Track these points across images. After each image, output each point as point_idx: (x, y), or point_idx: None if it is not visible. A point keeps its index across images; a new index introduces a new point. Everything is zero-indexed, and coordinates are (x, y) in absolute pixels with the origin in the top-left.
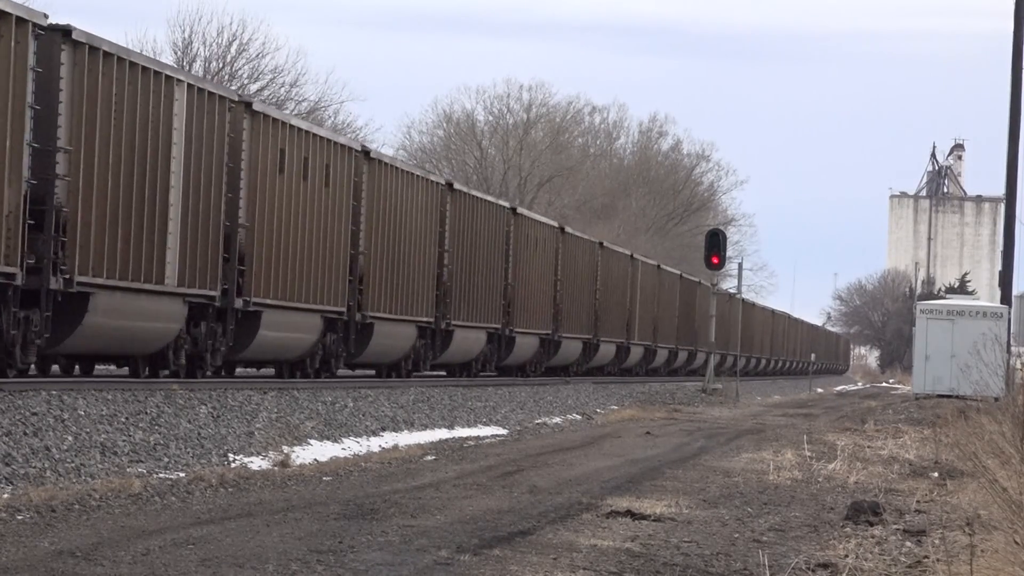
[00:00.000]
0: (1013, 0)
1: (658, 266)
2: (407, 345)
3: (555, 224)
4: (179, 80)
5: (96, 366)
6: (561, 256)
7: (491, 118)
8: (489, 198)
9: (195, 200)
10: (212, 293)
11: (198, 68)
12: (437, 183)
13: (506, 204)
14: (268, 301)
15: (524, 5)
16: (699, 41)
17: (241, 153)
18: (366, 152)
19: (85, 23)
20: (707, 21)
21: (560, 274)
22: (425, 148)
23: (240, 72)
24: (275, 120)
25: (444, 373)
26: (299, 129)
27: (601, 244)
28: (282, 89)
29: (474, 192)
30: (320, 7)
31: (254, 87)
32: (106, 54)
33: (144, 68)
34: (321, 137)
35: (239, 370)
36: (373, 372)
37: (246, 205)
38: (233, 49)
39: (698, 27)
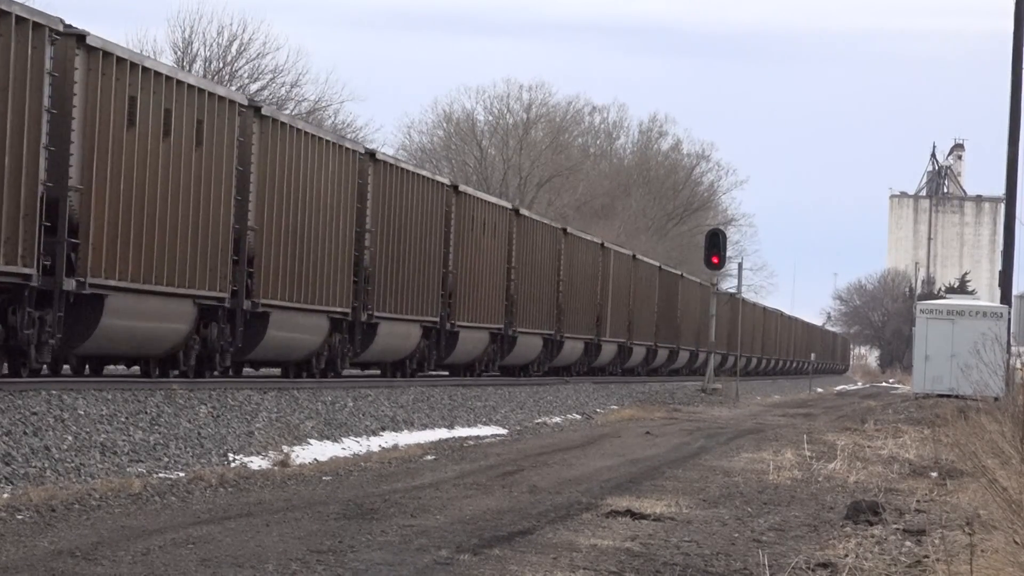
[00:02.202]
0: (1013, 0)
1: (633, 256)
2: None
3: (508, 206)
4: None
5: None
6: (516, 242)
7: (491, 118)
8: (424, 173)
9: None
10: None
11: (198, 68)
12: (354, 151)
13: (445, 181)
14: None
15: (524, 5)
16: (699, 41)
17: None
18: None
19: (85, 23)
20: (707, 21)
21: (515, 262)
22: (425, 148)
23: (240, 72)
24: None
25: (378, 372)
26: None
27: (565, 231)
28: (282, 89)
29: (404, 165)
30: (320, 7)
31: (254, 87)
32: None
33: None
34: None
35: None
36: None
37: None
38: (234, 49)
39: (698, 27)
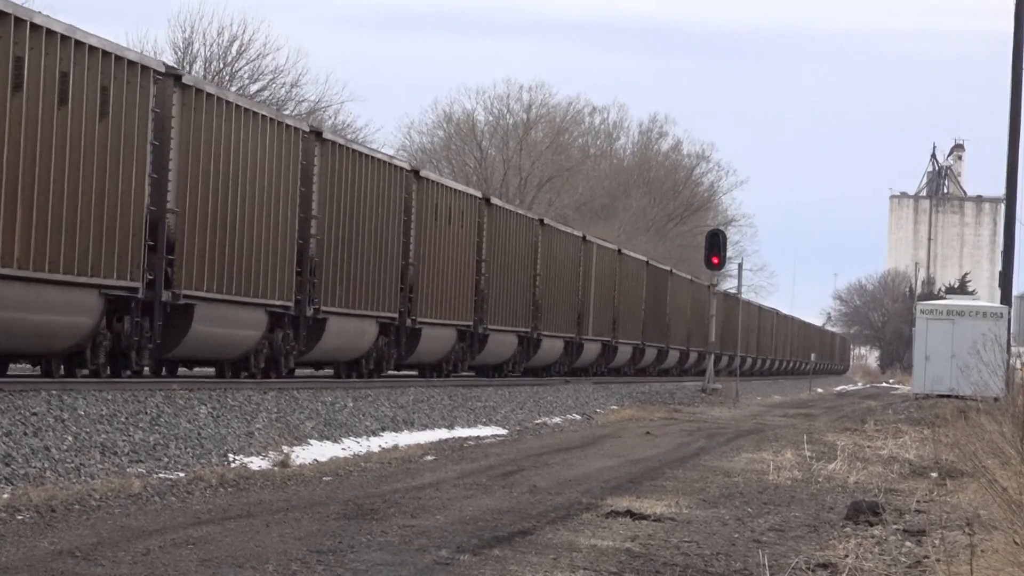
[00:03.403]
0: (1013, 0)
1: (619, 250)
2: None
3: (477, 194)
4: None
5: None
6: (487, 233)
7: (491, 118)
8: (379, 155)
9: None
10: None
11: (198, 68)
12: (297, 128)
13: (405, 165)
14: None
15: (524, 5)
16: (699, 41)
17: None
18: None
19: (85, 23)
20: (707, 21)
21: (485, 254)
22: (425, 148)
23: (240, 72)
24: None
25: (313, 370)
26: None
27: (542, 221)
28: (282, 89)
29: (356, 146)
30: (320, 7)
31: (254, 87)
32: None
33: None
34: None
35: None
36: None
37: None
38: (234, 49)
39: (698, 27)
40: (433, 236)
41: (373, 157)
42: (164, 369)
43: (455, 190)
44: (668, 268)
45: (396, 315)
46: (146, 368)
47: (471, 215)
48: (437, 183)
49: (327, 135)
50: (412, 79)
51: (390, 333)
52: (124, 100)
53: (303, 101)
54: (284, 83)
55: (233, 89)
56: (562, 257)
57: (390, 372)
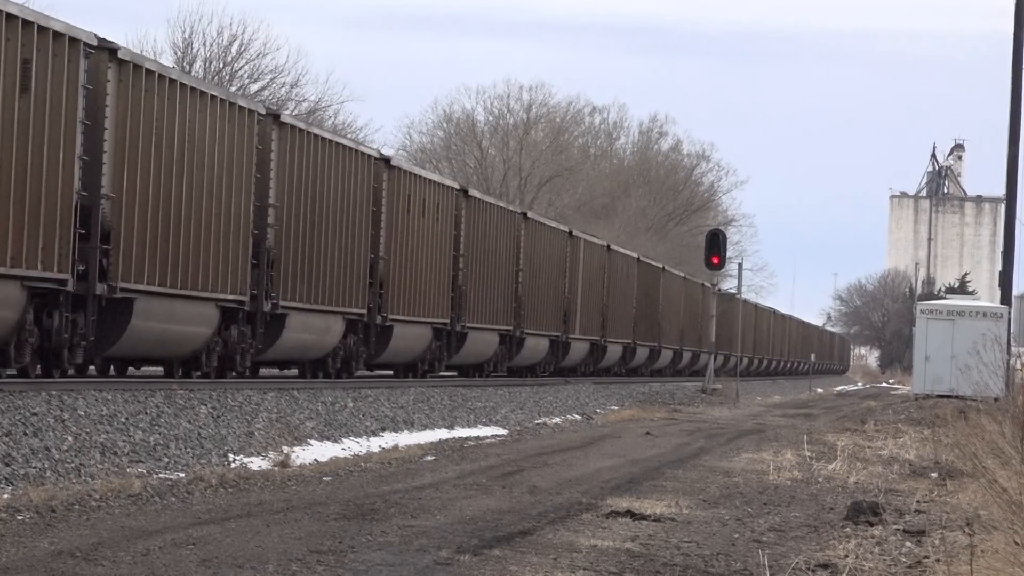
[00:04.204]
0: (1013, 0)
1: (608, 246)
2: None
3: (454, 186)
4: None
5: None
6: (465, 226)
7: (491, 118)
8: (344, 141)
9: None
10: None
11: (198, 68)
12: (251, 110)
13: (374, 153)
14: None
15: (524, 5)
16: (699, 41)
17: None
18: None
19: (85, 23)
20: (707, 21)
21: (463, 249)
22: (425, 148)
23: (240, 72)
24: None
25: (277, 370)
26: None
27: (525, 215)
28: (282, 89)
29: (318, 131)
30: (320, 7)
31: (254, 87)
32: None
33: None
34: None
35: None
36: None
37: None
38: (234, 49)
39: (698, 27)
40: (406, 228)
41: (338, 143)
42: (113, 368)
43: (430, 180)
44: (660, 265)
45: (364, 311)
46: (92, 368)
47: (448, 207)
48: (410, 172)
49: (285, 118)
50: (412, 79)
51: (358, 331)
52: (49, 74)
53: (303, 101)
54: (284, 83)
55: (233, 89)
56: (547, 252)
57: (362, 372)
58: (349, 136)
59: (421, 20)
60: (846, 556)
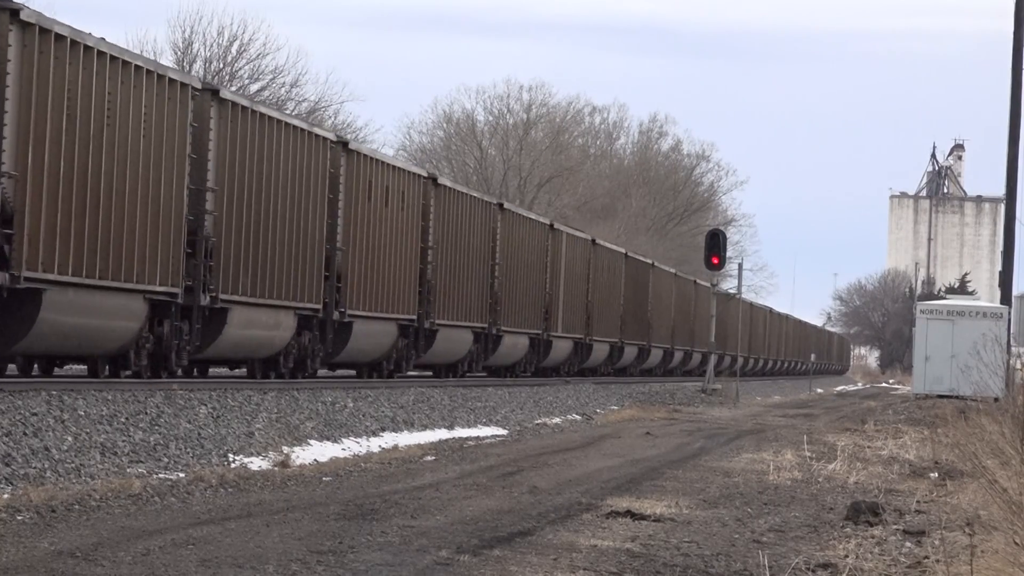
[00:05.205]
0: (1013, 0)
1: (593, 241)
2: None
3: (422, 173)
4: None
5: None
6: (434, 217)
7: (491, 118)
8: (296, 122)
9: None
10: None
11: (198, 68)
12: (184, 84)
13: (331, 136)
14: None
15: (524, 5)
16: (699, 41)
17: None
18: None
19: (85, 23)
20: (707, 21)
21: (432, 241)
22: (425, 148)
23: (241, 72)
24: None
25: (225, 369)
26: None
27: (501, 206)
28: (282, 89)
29: (265, 110)
30: (320, 7)
31: (254, 87)
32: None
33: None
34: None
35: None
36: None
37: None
38: (234, 49)
39: (698, 27)
40: (367, 218)
41: (289, 124)
42: (36, 367)
43: (394, 167)
44: (650, 261)
45: (320, 306)
46: (11, 366)
47: (414, 196)
48: (371, 158)
49: (226, 94)
50: (412, 79)
51: (314, 327)
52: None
53: (303, 101)
54: (284, 83)
55: (232, 88)
56: (526, 246)
57: (324, 373)
58: (350, 135)
59: (421, 20)
60: (846, 556)
